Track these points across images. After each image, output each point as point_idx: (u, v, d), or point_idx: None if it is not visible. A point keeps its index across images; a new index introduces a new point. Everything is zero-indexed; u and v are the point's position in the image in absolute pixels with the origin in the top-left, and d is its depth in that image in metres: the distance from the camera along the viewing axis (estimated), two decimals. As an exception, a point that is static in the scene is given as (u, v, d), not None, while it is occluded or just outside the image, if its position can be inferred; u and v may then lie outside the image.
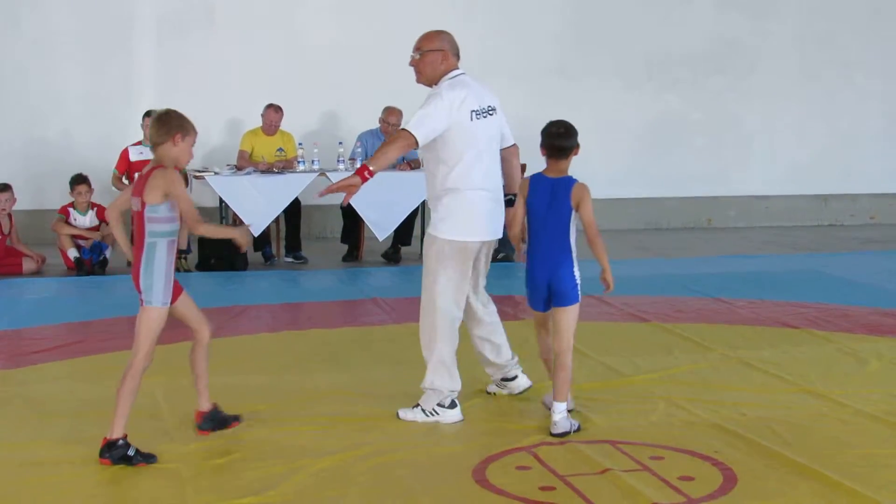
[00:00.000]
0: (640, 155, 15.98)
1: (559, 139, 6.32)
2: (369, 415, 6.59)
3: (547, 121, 6.44)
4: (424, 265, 6.61)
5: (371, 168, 6.31)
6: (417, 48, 6.66)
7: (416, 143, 6.35)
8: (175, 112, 6.00)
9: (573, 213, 6.30)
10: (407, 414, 6.52)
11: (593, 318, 9.50)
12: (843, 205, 16.90)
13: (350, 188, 6.30)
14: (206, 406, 6.29)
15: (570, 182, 6.33)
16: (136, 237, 5.85)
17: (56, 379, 7.52)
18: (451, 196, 6.52)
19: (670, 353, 8.15)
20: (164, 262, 5.84)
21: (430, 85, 6.67)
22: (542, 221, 6.34)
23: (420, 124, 6.38)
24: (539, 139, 6.32)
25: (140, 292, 5.86)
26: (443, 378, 6.51)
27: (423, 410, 6.51)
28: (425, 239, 6.68)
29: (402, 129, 6.45)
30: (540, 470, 5.61)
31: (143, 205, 5.76)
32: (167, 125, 5.89)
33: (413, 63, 6.67)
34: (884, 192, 16.96)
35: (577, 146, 6.36)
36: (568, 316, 6.30)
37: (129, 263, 5.95)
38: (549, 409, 6.31)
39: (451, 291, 6.53)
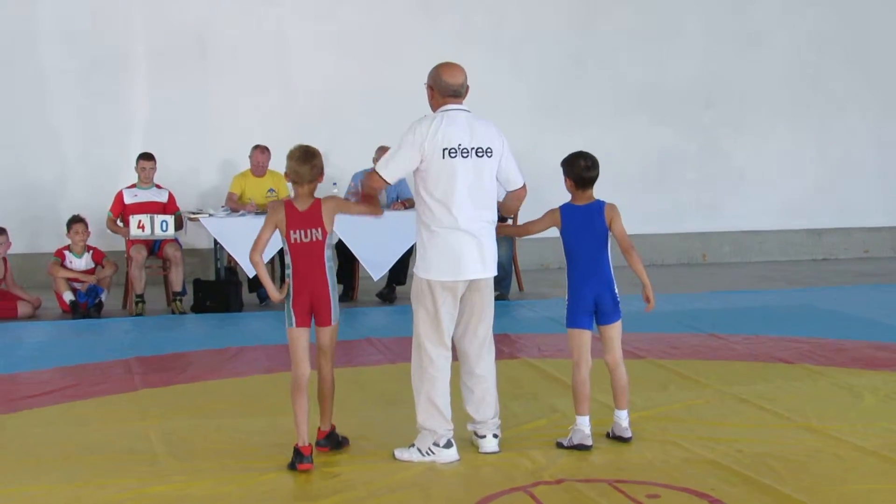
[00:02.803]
0: (633, 190, 15.96)
1: (588, 171, 7.02)
2: (365, 455, 6.58)
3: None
4: (411, 304, 6.70)
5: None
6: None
7: (385, 181, 6.53)
8: (315, 149, 6.51)
9: (608, 232, 6.96)
10: (403, 454, 6.51)
11: (588, 355, 9.50)
12: (836, 239, 16.92)
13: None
14: (326, 426, 6.68)
15: (601, 204, 7.05)
16: (308, 266, 6.42)
17: (51, 423, 7.50)
18: (425, 234, 6.55)
19: (665, 389, 8.15)
20: None
21: None
22: (581, 245, 6.95)
23: (386, 164, 6.55)
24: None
25: (329, 313, 6.49)
26: (435, 418, 6.50)
27: (419, 450, 6.49)
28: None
29: (371, 171, 6.59)
30: (536, 509, 5.60)
31: (325, 234, 6.43)
32: (319, 165, 6.50)
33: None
34: (877, 226, 16.98)
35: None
36: (616, 331, 7.00)
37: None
38: (566, 447, 6.62)
39: (431, 331, 6.55)
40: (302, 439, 6.32)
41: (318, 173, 6.48)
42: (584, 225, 6.97)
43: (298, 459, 6.30)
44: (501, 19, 15.55)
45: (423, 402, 6.53)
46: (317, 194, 6.56)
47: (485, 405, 6.70)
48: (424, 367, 6.55)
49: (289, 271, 6.48)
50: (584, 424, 6.70)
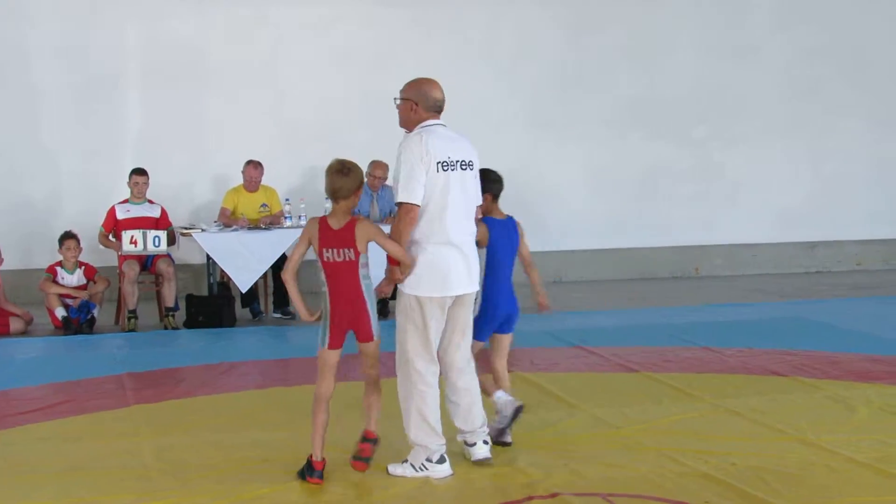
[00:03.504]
0: (626, 204, 16.01)
1: (500, 184, 7.11)
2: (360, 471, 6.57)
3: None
4: (396, 319, 6.64)
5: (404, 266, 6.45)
6: (400, 92, 6.70)
7: (417, 206, 6.37)
8: (353, 163, 6.45)
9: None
10: (396, 469, 6.50)
11: (581, 368, 9.53)
12: (829, 251, 16.94)
13: (391, 284, 6.58)
14: (373, 428, 6.62)
15: (514, 220, 7.17)
16: (343, 285, 6.33)
17: (43, 439, 7.47)
18: (413, 249, 6.49)
19: (659, 402, 8.14)
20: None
21: (407, 130, 6.67)
22: (505, 259, 7.03)
23: (410, 189, 6.37)
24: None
25: (370, 329, 6.44)
26: (427, 434, 6.48)
27: (413, 466, 6.48)
28: (401, 295, 6.66)
29: (401, 205, 6.40)
30: (530, 523, 5.60)
31: (358, 254, 6.32)
32: (358, 179, 6.41)
33: (396, 106, 6.72)
34: (870, 238, 17.00)
35: None
36: (511, 338, 7.25)
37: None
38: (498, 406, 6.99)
39: (420, 346, 6.52)
40: (316, 454, 6.31)
41: (355, 188, 6.38)
42: (506, 239, 7.09)
43: (309, 472, 6.30)
44: (496, 35, 15.57)
45: (415, 418, 6.50)
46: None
47: (472, 416, 6.71)
48: (414, 382, 6.52)
49: (324, 289, 6.38)
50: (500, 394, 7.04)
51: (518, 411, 7.01)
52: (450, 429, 6.64)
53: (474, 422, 6.71)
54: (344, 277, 6.33)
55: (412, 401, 6.51)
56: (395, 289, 6.49)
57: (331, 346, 6.37)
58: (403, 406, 6.58)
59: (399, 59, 14.64)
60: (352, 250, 6.29)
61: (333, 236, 6.32)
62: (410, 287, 6.50)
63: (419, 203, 6.36)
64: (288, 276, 6.42)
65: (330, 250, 6.31)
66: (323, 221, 6.36)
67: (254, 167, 13.11)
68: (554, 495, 6.00)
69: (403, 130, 6.71)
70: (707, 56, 16.26)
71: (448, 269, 6.48)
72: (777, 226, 16.67)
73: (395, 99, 6.70)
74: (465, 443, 6.76)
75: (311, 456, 6.33)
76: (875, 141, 16.91)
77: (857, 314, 12.40)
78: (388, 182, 12.76)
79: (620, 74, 15.98)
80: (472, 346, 6.83)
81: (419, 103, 6.61)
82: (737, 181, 16.53)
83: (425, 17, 15.35)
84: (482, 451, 6.71)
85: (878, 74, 16.87)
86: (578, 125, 15.78)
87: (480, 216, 6.90)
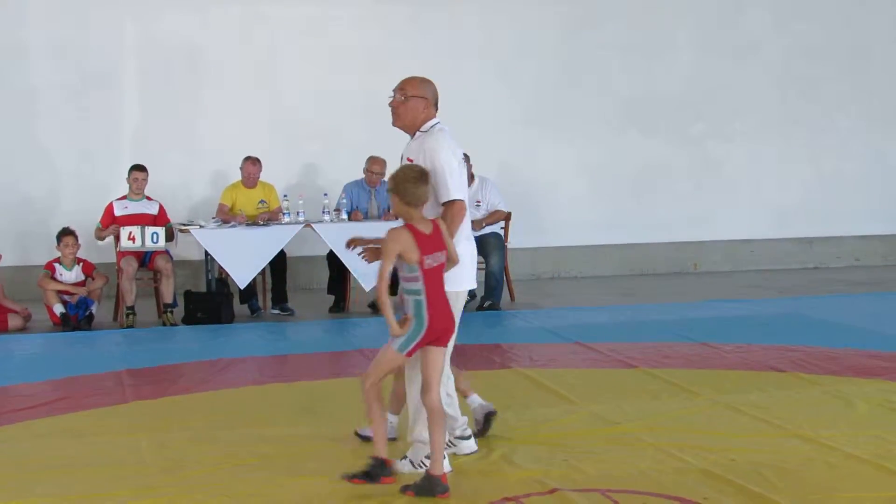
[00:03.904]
0: (625, 201, 16.02)
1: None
2: (357, 466, 6.54)
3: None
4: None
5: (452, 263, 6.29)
6: (401, 90, 6.61)
7: (464, 201, 6.39)
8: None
9: None
10: (394, 465, 6.49)
11: (580, 364, 9.52)
12: (827, 247, 16.95)
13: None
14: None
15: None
16: (441, 290, 6.13)
17: (42, 436, 7.46)
18: (461, 245, 6.45)
19: (657, 398, 8.14)
20: None
21: (406, 130, 6.63)
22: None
23: (458, 186, 6.37)
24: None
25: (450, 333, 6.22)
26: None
27: (412, 462, 6.47)
28: None
29: (453, 202, 6.35)
30: (529, 519, 5.59)
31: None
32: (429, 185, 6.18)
33: (394, 105, 6.61)
34: (868, 234, 17.02)
35: None
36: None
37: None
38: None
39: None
40: (382, 451, 6.17)
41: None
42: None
43: (384, 472, 6.17)
44: (494, 33, 15.58)
45: (425, 416, 6.44)
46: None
47: (451, 419, 6.66)
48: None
49: (420, 297, 6.10)
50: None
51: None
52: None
53: (453, 423, 6.72)
54: (440, 282, 6.16)
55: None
56: (397, 285, 6.38)
57: (410, 354, 6.13)
58: (417, 404, 6.44)
59: (396, 56, 14.62)
60: (444, 253, 6.17)
61: (429, 242, 6.12)
62: (456, 283, 6.40)
63: (465, 198, 6.40)
64: (384, 297, 6.05)
65: (430, 256, 6.10)
66: (413, 229, 6.09)
67: (252, 163, 13.11)
68: (552, 491, 5.99)
69: (407, 128, 6.66)
70: (704, 54, 16.28)
71: (467, 263, 6.50)
72: (775, 222, 16.68)
73: (400, 96, 6.60)
74: (449, 443, 6.71)
75: (381, 455, 6.16)
76: (872, 138, 16.92)
77: (856, 310, 12.40)
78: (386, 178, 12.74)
79: (618, 72, 15.99)
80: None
81: (431, 101, 6.62)
82: (735, 178, 16.54)
83: (422, 15, 15.36)
84: (469, 445, 6.77)
85: (876, 72, 16.89)
86: (576, 122, 15.78)
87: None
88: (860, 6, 16.80)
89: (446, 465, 6.45)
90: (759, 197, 16.60)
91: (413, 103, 6.58)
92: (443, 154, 6.38)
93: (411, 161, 6.43)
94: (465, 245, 6.48)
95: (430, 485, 6.00)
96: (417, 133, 6.60)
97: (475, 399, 7.13)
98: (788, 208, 16.69)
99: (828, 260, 16.92)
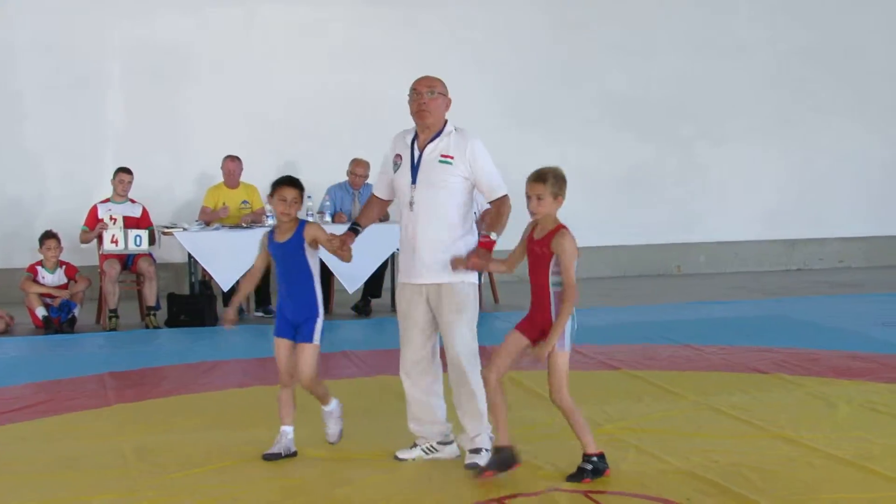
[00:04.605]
0: (610, 203, 16.04)
1: None
2: (339, 469, 6.55)
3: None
4: (452, 316, 6.58)
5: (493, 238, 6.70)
6: (430, 88, 6.64)
7: None
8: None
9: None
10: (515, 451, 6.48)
11: (564, 367, 9.50)
12: (811, 249, 17.00)
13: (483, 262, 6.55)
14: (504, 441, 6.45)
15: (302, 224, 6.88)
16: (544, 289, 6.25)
17: (24, 439, 7.44)
18: (471, 237, 6.66)
19: (641, 400, 8.15)
20: None
21: (431, 127, 6.64)
22: None
23: (501, 180, 6.68)
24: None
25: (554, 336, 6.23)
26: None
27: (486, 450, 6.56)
28: (456, 288, 6.59)
29: (506, 196, 6.66)
30: (512, 521, 5.60)
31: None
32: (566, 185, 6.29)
33: (427, 102, 6.60)
34: (852, 236, 17.08)
35: None
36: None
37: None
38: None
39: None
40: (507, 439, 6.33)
41: None
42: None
43: (514, 459, 6.31)
44: (484, 34, 15.59)
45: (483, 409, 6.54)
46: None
47: (437, 423, 6.85)
48: (476, 374, 6.63)
49: (559, 289, 6.24)
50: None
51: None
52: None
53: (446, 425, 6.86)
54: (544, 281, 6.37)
55: (481, 393, 6.53)
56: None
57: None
58: (481, 398, 6.55)
59: (385, 57, 14.66)
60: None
61: (540, 245, 6.35)
62: (473, 275, 6.65)
63: None
64: (570, 306, 6.27)
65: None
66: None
67: (232, 161, 13.13)
68: (537, 493, 6.00)
69: (443, 124, 6.72)
70: (692, 55, 16.33)
71: None
72: (760, 224, 16.73)
73: (432, 93, 6.63)
74: (443, 443, 6.80)
75: (505, 443, 6.30)
76: (857, 139, 16.98)
77: (839, 311, 12.44)
78: (370, 181, 12.73)
79: (606, 73, 16.02)
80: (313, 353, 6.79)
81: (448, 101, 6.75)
82: (719, 179, 16.58)
83: (412, 16, 15.35)
84: (451, 450, 6.86)
85: (861, 73, 16.94)
86: (565, 124, 15.81)
87: None
88: (848, 8, 16.86)
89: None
90: (744, 199, 16.64)
91: (442, 101, 6.68)
92: (482, 151, 6.66)
93: (449, 159, 6.55)
94: (472, 237, 6.67)
95: (508, 456, 6.21)
96: (444, 131, 6.66)
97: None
98: (773, 210, 16.73)
99: (811, 262, 16.97)
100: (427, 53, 14.77)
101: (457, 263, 6.44)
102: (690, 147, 16.45)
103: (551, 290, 6.23)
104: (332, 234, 6.75)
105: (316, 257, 6.75)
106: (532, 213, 6.30)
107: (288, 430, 6.77)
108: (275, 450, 6.75)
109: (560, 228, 6.21)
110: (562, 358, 6.26)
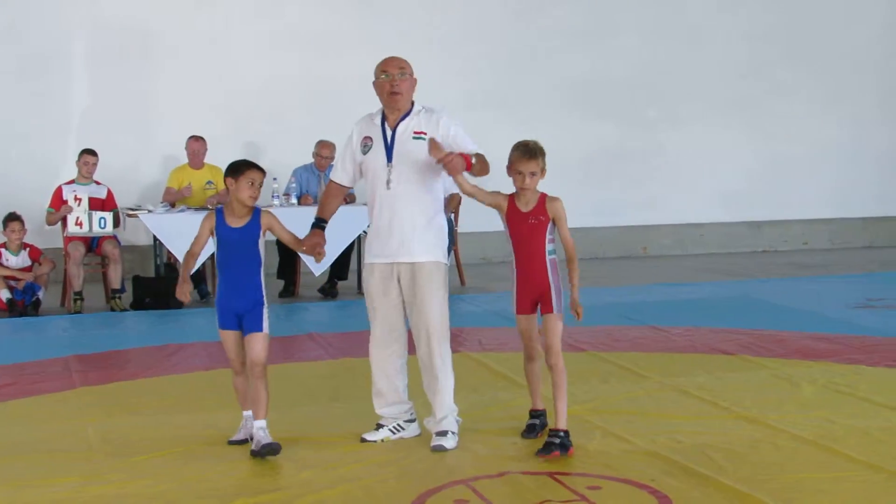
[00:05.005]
0: (573, 185, 15.96)
1: None
2: (305, 452, 6.54)
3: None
4: (429, 294, 6.58)
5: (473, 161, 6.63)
6: (401, 69, 6.66)
7: None
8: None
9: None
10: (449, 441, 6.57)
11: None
12: (776, 231, 17.09)
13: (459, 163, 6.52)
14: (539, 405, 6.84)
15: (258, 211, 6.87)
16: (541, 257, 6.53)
17: (-13, 422, 7.41)
18: (441, 217, 6.75)
19: (606, 381, 8.18)
20: None
21: (402, 108, 6.66)
22: None
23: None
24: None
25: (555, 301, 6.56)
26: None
27: (454, 434, 6.62)
28: (429, 267, 6.61)
29: (480, 153, 6.78)
30: (479, 503, 5.60)
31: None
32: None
33: (400, 83, 6.61)
34: (816, 218, 17.17)
35: None
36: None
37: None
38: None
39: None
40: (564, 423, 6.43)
41: None
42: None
43: (570, 443, 6.39)
44: (445, 16, 15.56)
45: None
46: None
47: (401, 403, 6.88)
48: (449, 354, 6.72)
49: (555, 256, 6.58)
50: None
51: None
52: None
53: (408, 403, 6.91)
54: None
55: (449, 375, 6.66)
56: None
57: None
58: (449, 380, 6.66)
59: (346, 39, 14.61)
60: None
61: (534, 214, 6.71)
62: (444, 256, 6.71)
63: None
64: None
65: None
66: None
67: (195, 140, 13.11)
68: (501, 474, 6.00)
69: (413, 104, 6.78)
70: (652, 37, 16.35)
71: (445, 237, 6.84)
72: (724, 205, 16.80)
73: (403, 74, 6.65)
74: (409, 421, 6.84)
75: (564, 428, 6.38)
76: (821, 122, 17.07)
77: (803, 293, 12.51)
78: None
79: (566, 55, 16.02)
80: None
81: None
82: (683, 161, 16.63)
83: (371, 0, 15.29)
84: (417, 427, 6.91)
85: (821, 56, 17.02)
86: (526, 106, 15.78)
87: None
88: (805, -10, 16.93)
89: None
90: (709, 181, 16.70)
91: (411, 81, 6.73)
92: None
93: (422, 135, 6.59)
94: (443, 218, 6.76)
95: (568, 440, 6.33)
96: (413, 110, 6.71)
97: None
98: (738, 192, 16.80)
99: (776, 243, 17.05)
100: (387, 35, 14.67)
101: (434, 145, 6.45)
102: (655, 129, 16.49)
103: (547, 257, 6.47)
104: (299, 239, 6.83)
105: (263, 244, 6.71)
106: (523, 189, 6.55)
107: (250, 414, 6.71)
108: (239, 436, 6.73)
109: (546, 195, 6.52)
110: (560, 321, 6.51)
